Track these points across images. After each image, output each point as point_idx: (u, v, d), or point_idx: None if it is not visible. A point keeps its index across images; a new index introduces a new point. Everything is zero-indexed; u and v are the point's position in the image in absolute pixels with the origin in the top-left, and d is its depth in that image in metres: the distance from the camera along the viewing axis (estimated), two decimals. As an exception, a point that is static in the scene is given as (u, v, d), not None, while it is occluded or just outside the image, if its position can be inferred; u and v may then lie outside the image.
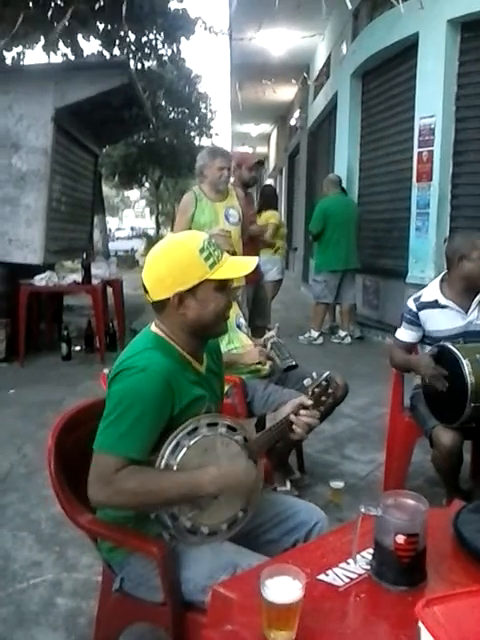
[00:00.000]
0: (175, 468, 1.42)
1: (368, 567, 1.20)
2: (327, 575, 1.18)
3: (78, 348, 6.26)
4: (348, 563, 1.22)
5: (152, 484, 1.39)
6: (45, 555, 2.52)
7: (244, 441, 1.53)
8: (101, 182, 12.62)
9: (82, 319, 6.98)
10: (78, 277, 5.96)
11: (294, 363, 2.92)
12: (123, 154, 20.67)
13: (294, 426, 1.57)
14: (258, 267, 5.20)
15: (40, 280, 5.76)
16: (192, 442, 1.44)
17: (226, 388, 2.82)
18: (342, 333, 6.85)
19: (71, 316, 7.78)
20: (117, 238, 31.66)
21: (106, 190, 26.58)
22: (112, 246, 20.77)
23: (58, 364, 5.84)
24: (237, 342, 2.96)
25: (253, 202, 5.43)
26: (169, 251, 1.54)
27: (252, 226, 4.86)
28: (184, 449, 1.42)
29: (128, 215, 51.32)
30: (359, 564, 1.21)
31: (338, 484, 2.97)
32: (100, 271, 6.32)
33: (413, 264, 6.20)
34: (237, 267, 1.55)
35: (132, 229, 37.88)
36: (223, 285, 1.52)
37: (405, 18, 5.64)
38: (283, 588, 0.99)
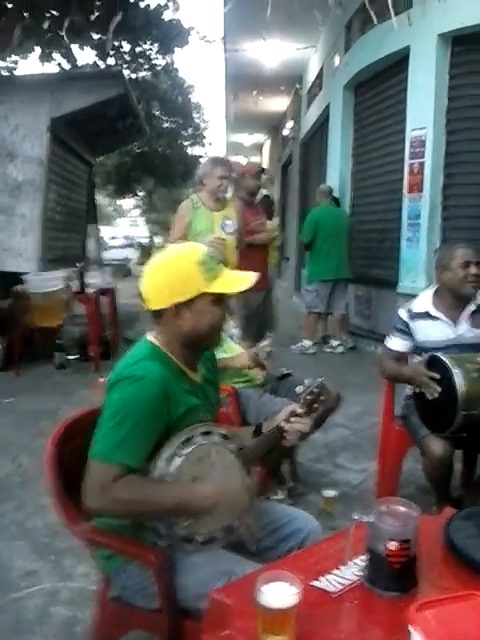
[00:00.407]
0: (170, 477, 1.44)
1: (361, 573, 1.23)
2: (320, 581, 1.21)
3: (73, 357, 6.27)
4: (341, 569, 1.25)
5: (148, 495, 1.41)
6: (41, 564, 2.53)
7: (238, 450, 1.56)
8: (95, 191, 12.65)
9: (76, 328, 6.98)
10: (73, 286, 5.97)
11: (288, 371, 2.95)
12: (117, 163, 20.72)
13: (285, 433, 1.60)
14: (268, 275, 5.26)
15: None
16: (186, 451, 1.46)
17: (220, 398, 2.86)
18: (334, 343, 6.89)
19: (66, 325, 7.77)
20: (111, 247, 31.64)
21: (100, 199, 26.59)
22: (106, 255, 20.78)
23: (53, 373, 5.84)
24: (230, 352, 2.99)
25: (263, 210, 5.45)
26: (169, 262, 1.58)
27: (259, 235, 4.92)
28: (179, 459, 1.45)
29: (121, 224, 51.28)
30: (352, 570, 1.24)
31: (330, 493, 2.99)
32: (94, 280, 6.34)
33: (404, 274, 6.26)
34: (236, 282, 1.58)
35: (126, 238, 37.84)
36: (220, 298, 1.55)
37: (396, 32, 5.72)
38: (278, 593, 1.02)
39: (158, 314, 1.57)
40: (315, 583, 1.20)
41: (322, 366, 6.17)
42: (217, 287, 1.53)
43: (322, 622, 1.10)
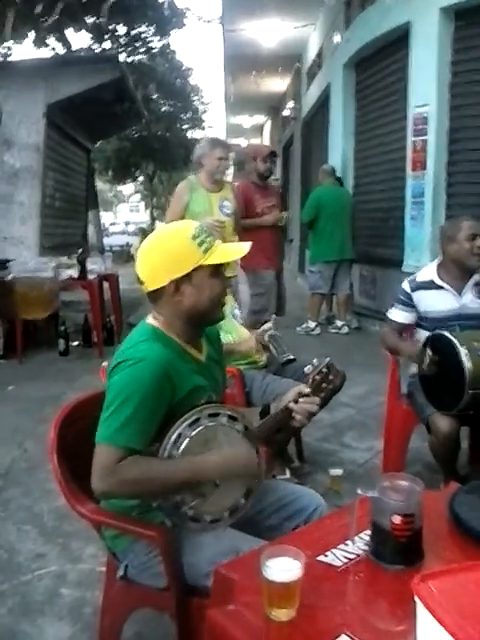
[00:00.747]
0: (183, 459, 1.44)
1: (366, 548, 1.23)
2: (326, 556, 1.21)
3: (76, 343, 6.27)
4: (347, 544, 1.25)
5: (154, 472, 1.41)
6: (49, 547, 2.55)
7: (245, 430, 1.55)
8: (94, 177, 12.59)
9: (79, 314, 6.98)
10: (74, 273, 5.97)
11: (291, 357, 2.93)
12: (116, 148, 20.61)
13: (294, 414, 1.59)
14: (281, 255, 5.24)
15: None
16: (194, 433, 1.45)
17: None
18: (339, 323, 6.88)
19: (68, 312, 7.77)
20: (112, 233, 31.63)
21: (100, 185, 26.47)
22: (107, 241, 20.75)
23: (56, 360, 5.85)
24: (234, 333, 2.98)
25: (276, 193, 5.39)
26: (162, 240, 1.57)
27: (266, 216, 4.90)
28: (186, 440, 1.44)
29: (122, 210, 51.16)
30: (357, 545, 1.24)
31: (337, 471, 3.00)
32: (96, 266, 6.33)
33: (409, 253, 6.22)
34: (230, 252, 1.58)
35: (127, 224, 37.74)
36: (218, 271, 1.55)
37: (397, 7, 5.65)
38: (283, 567, 1.02)
39: (157, 295, 1.56)
40: (321, 558, 1.21)
41: (327, 347, 6.16)
42: (213, 258, 1.52)
43: (327, 595, 1.10)
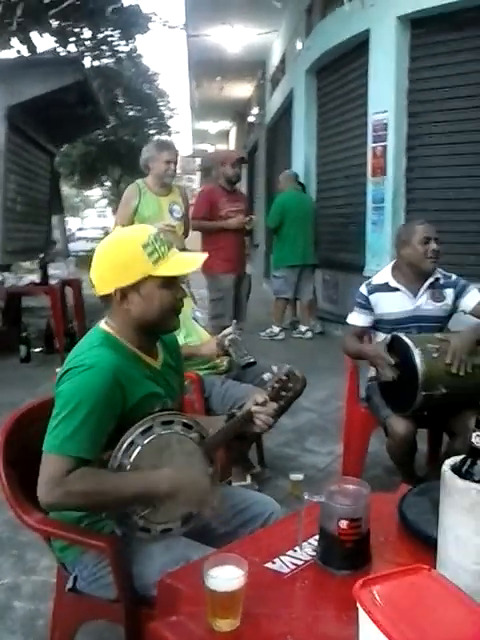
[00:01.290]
0: (128, 467, 1.40)
1: (314, 553, 1.23)
2: (274, 563, 1.20)
3: (38, 350, 6.16)
4: (295, 550, 1.25)
5: (104, 485, 1.37)
6: (3, 559, 2.49)
7: (200, 438, 1.53)
8: (59, 182, 12.43)
9: (42, 320, 6.87)
10: (36, 278, 5.87)
11: (252, 360, 2.92)
12: (82, 153, 20.40)
13: (256, 418, 1.58)
14: (243, 259, 5.20)
15: (-5, 281, 5.65)
16: (146, 441, 1.42)
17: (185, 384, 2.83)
18: (303, 328, 6.91)
19: (31, 317, 7.64)
20: (78, 238, 31.27)
21: (66, 190, 26.17)
22: (73, 246, 20.50)
23: (17, 366, 5.74)
24: (195, 335, 2.96)
25: (244, 199, 5.39)
26: (113, 245, 1.54)
27: (230, 220, 4.86)
28: (138, 448, 1.41)
29: (89, 215, 50.63)
30: (305, 551, 1.24)
31: (297, 476, 2.99)
32: (58, 271, 6.24)
33: (370, 258, 6.29)
34: (183, 264, 1.53)
35: (95, 229, 37.37)
36: (170, 281, 1.50)
37: (356, 15, 5.72)
38: (225, 577, 1.00)
39: (107, 300, 1.53)
40: (268, 565, 1.20)
41: (291, 351, 6.18)
42: (163, 270, 1.47)
43: (274, 603, 1.09)
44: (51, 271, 5.98)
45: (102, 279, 1.51)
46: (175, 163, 4.23)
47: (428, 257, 2.63)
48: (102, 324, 1.57)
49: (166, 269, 1.48)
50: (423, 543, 1.26)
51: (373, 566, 1.20)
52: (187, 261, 1.55)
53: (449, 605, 0.88)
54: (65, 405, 1.39)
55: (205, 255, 1.61)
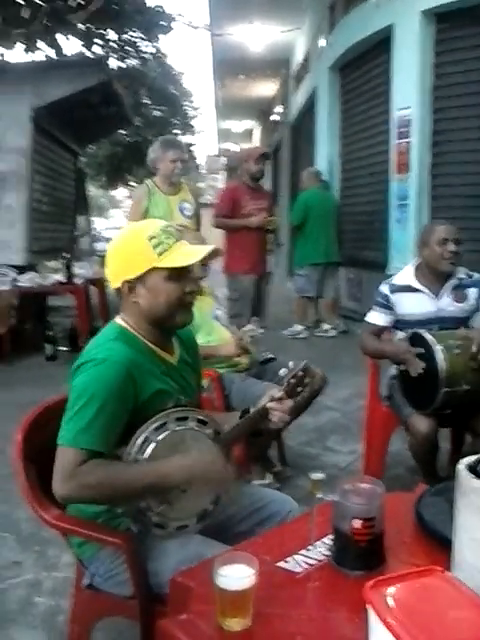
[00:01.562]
0: (146, 464, 1.41)
1: (328, 553, 1.21)
2: (287, 562, 1.19)
3: (63, 348, 6.22)
4: (309, 550, 1.23)
5: (116, 476, 1.38)
6: (26, 555, 2.51)
7: (215, 434, 1.52)
8: (84, 182, 12.54)
9: (67, 319, 6.95)
10: (61, 277, 5.93)
11: (271, 356, 2.92)
12: (108, 154, 20.56)
13: (271, 414, 1.55)
14: (265, 259, 5.17)
15: (23, 281, 5.72)
16: (160, 437, 1.42)
17: (205, 382, 2.83)
18: (326, 326, 6.87)
19: (56, 316, 7.73)
20: (104, 238, 31.57)
21: (92, 190, 26.42)
22: (100, 246, 20.71)
23: (43, 365, 5.80)
24: (215, 334, 2.96)
25: (268, 196, 5.32)
26: (121, 238, 1.55)
27: (252, 219, 4.82)
28: (152, 444, 1.41)
29: (115, 215, 51.05)
30: (319, 550, 1.23)
31: (318, 475, 2.95)
32: (83, 270, 6.29)
33: (394, 256, 6.23)
34: (187, 255, 1.50)
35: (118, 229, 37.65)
36: (176, 274, 1.48)
37: (380, 10, 5.66)
38: (235, 575, 1.00)
39: (120, 294, 1.53)
40: (281, 564, 1.19)
41: (313, 350, 6.15)
42: (167, 261, 1.46)
43: (285, 603, 1.08)
44: (76, 270, 6.02)
45: (113, 272, 1.52)
46: (182, 161, 4.21)
47: (445, 258, 2.60)
48: (118, 319, 1.58)
49: (170, 260, 1.47)
50: (439, 544, 1.23)
51: (388, 567, 1.18)
52: (192, 252, 1.52)
53: (462, 608, 0.86)
54: (78, 398, 1.40)
55: (212, 246, 1.60)
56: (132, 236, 1.53)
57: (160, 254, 1.46)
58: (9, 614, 2.13)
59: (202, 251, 1.53)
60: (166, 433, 1.44)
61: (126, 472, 1.40)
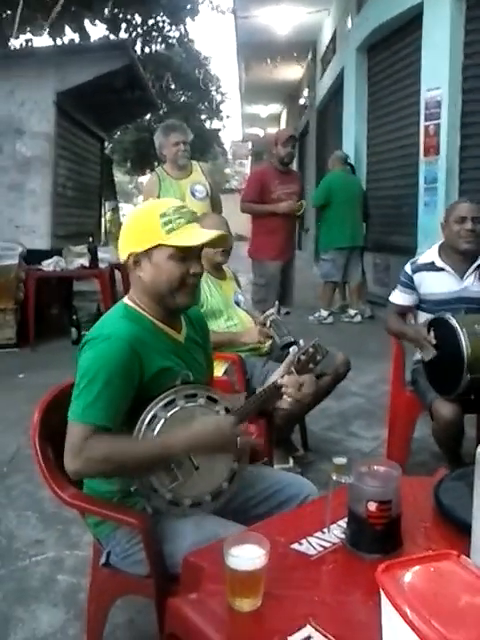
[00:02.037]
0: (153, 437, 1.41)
1: (343, 536, 1.19)
2: (301, 544, 1.18)
3: (87, 332, 6.27)
4: (324, 532, 1.22)
5: (123, 450, 1.39)
6: (48, 533, 2.55)
7: (225, 412, 1.52)
8: (111, 167, 12.60)
9: (92, 304, 7.00)
10: (85, 262, 5.96)
11: (292, 340, 2.89)
12: (135, 140, 20.58)
13: (284, 389, 1.54)
14: (293, 245, 5.10)
15: (47, 265, 5.77)
16: (169, 414, 1.42)
17: (225, 366, 2.82)
18: (352, 312, 6.81)
19: (82, 301, 7.79)
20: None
21: (119, 176, 26.50)
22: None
23: (68, 348, 5.84)
24: (236, 319, 2.95)
25: (298, 180, 5.18)
26: (135, 212, 1.58)
27: (281, 204, 4.73)
28: (161, 421, 1.41)
29: (142, 201, 51.32)
30: (334, 533, 1.21)
31: (341, 460, 2.93)
32: (107, 255, 6.31)
33: (422, 240, 6.11)
34: (193, 236, 1.48)
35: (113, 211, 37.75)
36: (181, 254, 1.47)
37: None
38: (246, 556, 0.99)
39: (126, 266, 1.54)
40: (295, 546, 1.17)
41: (339, 335, 6.10)
42: (173, 240, 1.46)
43: (298, 584, 1.07)
44: (100, 255, 6.05)
45: (122, 244, 1.53)
46: (185, 143, 4.18)
47: (461, 237, 2.55)
48: (125, 299, 1.59)
49: (177, 239, 1.46)
50: (458, 529, 1.21)
51: (404, 551, 1.16)
52: (199, 234, 1.51)
53: (476, 593, 0.83)
54: (84, 375, 1.41)
55: (220, 232, 1.57)
56: (145, 211, 1.54)
57: (168, 232, 1.46)
58: (31, 591, 2.17)
59: (208, 234, 1.51)
60: (175, 409, 1.44)
61: (132, 445, 1.41)
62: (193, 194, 4.20)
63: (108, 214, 15.42)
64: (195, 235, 1.49)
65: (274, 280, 4.86)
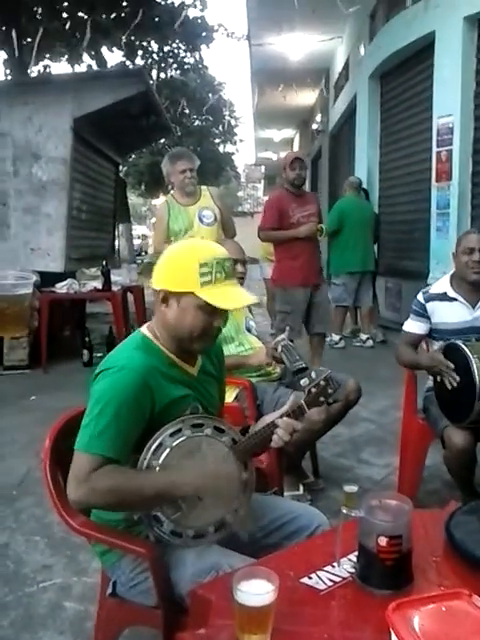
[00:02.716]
0: (157, 469, 1.40)
1: (353, 570, 1.18)
2: (310, 578, 1.16)
3: (100, 354, 6.29)
4: (333, 566, 1.20)
5: (127, 483, 1.38)
6: (56, 559, 2.54)
7: (232, 443, 1.51)
8: (125, 190, 12.72)
9: (105, 326, 7.03)
10: (98, 284, 6.00)
11: (304, 365, 2.88)
12: (149, 163, 20.84)
13: (277, 430, 1.50)
14: (317, 269, 4.94)
15: (61, 288, 5.82)
16: (175, 443, 1.41)
17: (236, 392, 2.82)
18: (363, 336, 6.78)
19: (94, 323, 7.85)
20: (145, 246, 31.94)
21: (133, 199, 26.78)
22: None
23: (80, 370, 5.87)
24: (247, 345, 2.94)
25: (315, 201, 5.03)
26: (180, 249, 1.55)
27: (301, 228, 4.63)
28: (167, 450, 1.40)
29: (154, 226, 51.65)
30: (344, 567, 1.19)
31: (352, 488, 2.90)
32: (120, 278, 6.36)
33: (434, 265, 6.11)
34: (228, 298, 1.47)
35: (143, 237, 38.09)
36: (210, 308, 1.46)
37: (421, 17, 5.60)
38: (255, 591, 0.97)
39: (155, 296, 1.54)
40: (304, 580, 1.16)
41: (351, 361, 6.07)
42: (205, 294, 1.45)
43: (308, 620, 1.05)
44: (113, 278, 6.09)
45: (158, 274, 1.53)
46: (191, 170, 4.22)
47: (469, 268, 2.56)
48: (143, 328, 1.59)
49: (209, 295, 1.45)
50: (470, 564, 1.19)
51: (415, 587, 1.14)
52: (234, 297, 1.50)
53: (488, 634, 0.82)
54: (95, 405, 1.42)
55: (255, 299, 1.57)
56: (188, 253, 1.51)
57: (203, 284, 1.45)
58: (38, 618, 2.15)
59: (242, 300, 1.52)
60: (181, 439, 1.43)
61: (137, 479, 1.40)
62: (201, 220, 4.23)
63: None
64: (229, 298, 1.47)
65: (299, 307, 4.72)
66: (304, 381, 1.59)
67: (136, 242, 24.25)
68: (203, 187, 4.45)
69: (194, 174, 4.28)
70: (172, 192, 4.31)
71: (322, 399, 1.55)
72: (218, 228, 4.32)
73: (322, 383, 1.54)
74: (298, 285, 4.73)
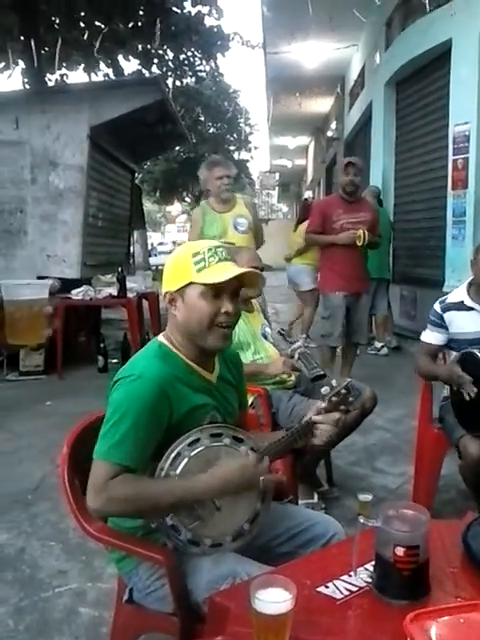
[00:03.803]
0: (176, 479, 1.41)
1: (370, 580, 1.18)
2: (327, 587, 1.16)
3: (115, 360, 6.33)
4: (351, 576, 1.20)
5: (145, 491, 1.38)
6: (71, 564, 2.55)
7: (251, 451, 1.50)
8: (141, 197, 12.79)
9: (120, 332, 7.07)
10: (114, 291, 6.04)
11: (322, 373, 2.87)
12: (164, 170, 20.99)
13: (315, 428, 1.53)
14: (360, 277, 4.84)
15: (76, 294, 5.86)
16: (193, 453, 1.42)
17: (251, 399, 2.82)
18: (378, 344, 6.75)
19: (110, 329, 7.89)
20: (160, 253, 32.09)
21: (148, 205, 26.94)
22: (154, 260, 21.02)
23: (95, 376, 5.91)
24: (263, 352, 2.94)
25: (369, 208, 4.97)
26: (174, 253, 1.59)
27: (340, 234, 4.58)
28: (185, 460, 1.40)
29: (170, 230, 51.90)
30: (361, 577, 1.19)
31: (366, 497, 2.90)
32: (135, 285, 6.40)
33: (450, 273, 6.08)
34: (220, 273, 1.47)
35: (174, 243, 38.34)
36: (211, 291, 1.47)
37: (438, 25, 5.60)
38: (272, 599, 0.98)
39: (165, 300, 1.57)
40: (321, 589, 1.16)
41: (365, 368, 6.04)
42: (201, 278, 1.47)
43: (324, 629, 1.06)
44: (129, 284, 6.13)
45: (163, 280, 1.56)
46: (228, 177, 4.24)
47: None
48: (160, 336, 1.60)
49: (205, 277, 1.47)
50: (488, 576, 1.19)
51: (432, 598, 1.14)
52: (227, 270, 1.49)
53: (507, 647, 0.82)
54: (113, 413, 1.42)
55: (246, 269, 1.55)
56: (182, 251, 1.56)
57: (199, 270, 1.48)
58: (54, 623, 2.16)
59: (234, 270, 1.49)
60: (200, 449, 1.43)
61: (154, 487, 1.40)
62: (236, 227, 4.25)
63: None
64: (224, 271, 1.48)
65: (338, 312, 4.68)
66: (325, 389, 1.60)
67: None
68: (237, 194, 4.47)
69: (231, 181, 4.30)
70: (209, 199, 4.32)
71: (342, 407, 1.56)
72: (251, 236, 4.33)
73: (343, 391, 1.55)
74: (336, 291, 4.73)
